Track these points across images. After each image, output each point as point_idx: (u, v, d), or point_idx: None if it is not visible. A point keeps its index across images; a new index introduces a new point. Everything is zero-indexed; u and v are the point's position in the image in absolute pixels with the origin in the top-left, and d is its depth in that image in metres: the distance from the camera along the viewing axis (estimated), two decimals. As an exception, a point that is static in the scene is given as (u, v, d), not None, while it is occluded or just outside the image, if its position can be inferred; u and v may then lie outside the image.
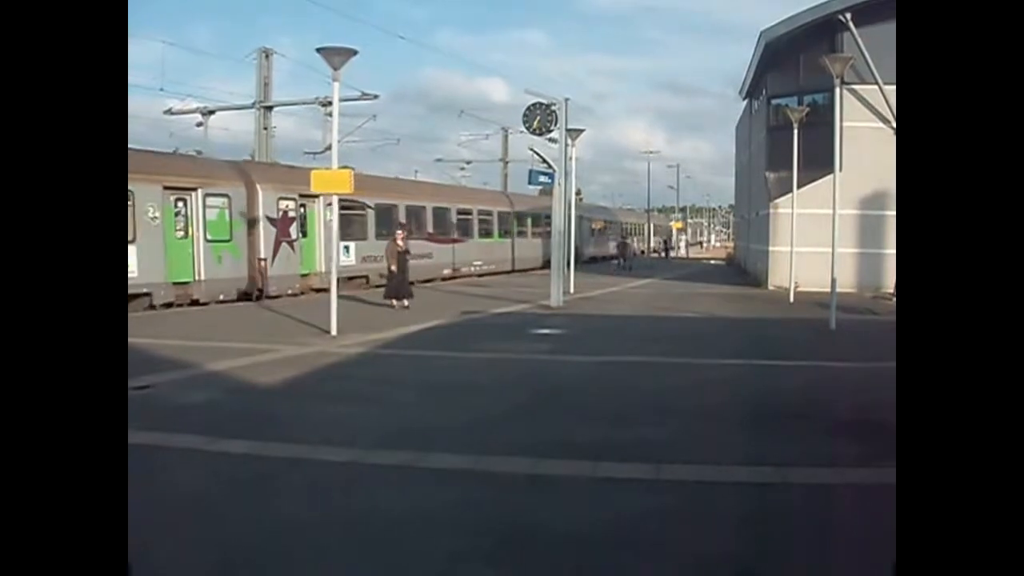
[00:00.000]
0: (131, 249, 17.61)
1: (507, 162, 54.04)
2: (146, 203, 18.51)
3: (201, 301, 19.88)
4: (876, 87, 24.54)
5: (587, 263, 44.01)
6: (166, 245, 19.10)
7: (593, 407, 8.80)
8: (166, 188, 19.28)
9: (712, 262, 55.69)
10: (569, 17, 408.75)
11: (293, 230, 22.68)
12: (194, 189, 19.96)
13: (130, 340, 11.01)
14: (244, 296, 21.32)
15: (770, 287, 26.76)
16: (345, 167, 16.43)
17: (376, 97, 32.26)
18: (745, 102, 38.21)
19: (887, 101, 24.51)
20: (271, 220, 22.14)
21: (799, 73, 27.19)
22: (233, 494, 5.90)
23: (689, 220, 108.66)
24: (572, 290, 23.85)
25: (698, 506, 5.65)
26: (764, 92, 30.44)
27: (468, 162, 57.19)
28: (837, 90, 17.34)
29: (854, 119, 24.26)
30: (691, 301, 23.13)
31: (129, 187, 17.51)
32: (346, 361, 11.85)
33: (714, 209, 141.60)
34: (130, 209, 17.81)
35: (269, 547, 4.83)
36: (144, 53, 74.35)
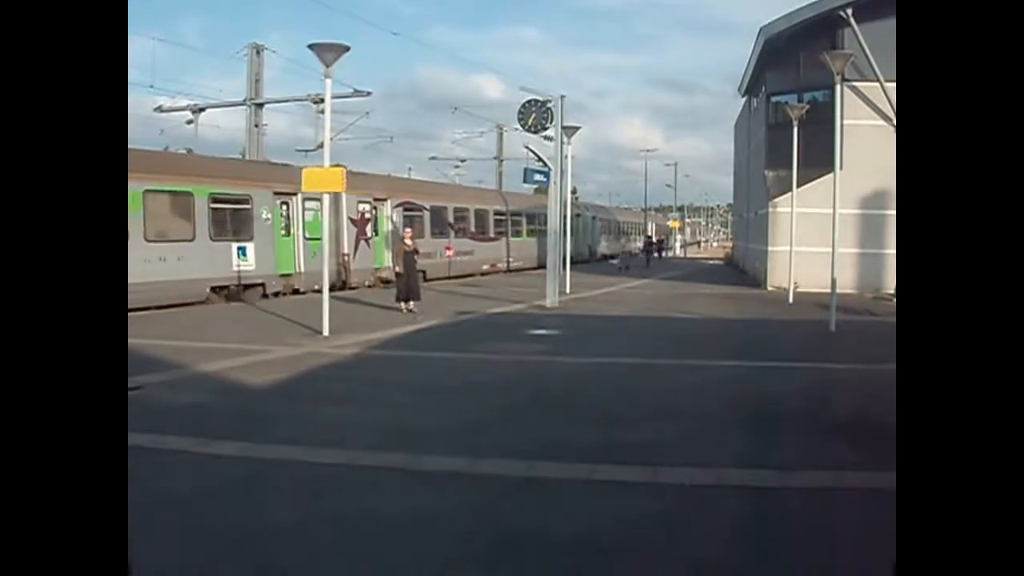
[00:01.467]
0: (250, 246, 21.01)
1: (502, 160, 53.98)
2: (261, 207, 21.55)
3: (300, 290, 22.44)
4: (877, 84, 24.49)
5: (599, 261, 46.99)
6: (276, 242, 22.00)
7: (589, 409, 8.75)
8: (275, 194, 22.11)
9: (711, 262, 55.79)
10: (564, 13, 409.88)
11: (369, 229, 25.87)
12: (295, 194, 22.17)
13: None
14: (332, 287, 22.60)
15: (769, 287, 26.70)
16: (337, 165, 16.37)
17: (369, 94, 32.14)
18: (744, 99, 38.20)
19: (888, 98, 24.46)
20: (352, 221, 25.18)
21: (799, 70, 27.12)
22: (223, 496, 5.85)
23: (687, 219, 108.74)
24: (568, 290, 23.80)
25: (696, 510, 5.60)
26: (763, 89, 30.40)
27: (462, 160, 57.18)
28: (838, 87, 17.29)
29: (855, 116, 24.22)
30: (688, 302, 23.09)
31: (249, 192, 21.19)
32: (338, 362, 11.79)
33: (712, 208, 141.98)
34: (249, 211, 21.19)
35: (259, 550, 4.79)
36: (134, 49, 74.20)
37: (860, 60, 22.88)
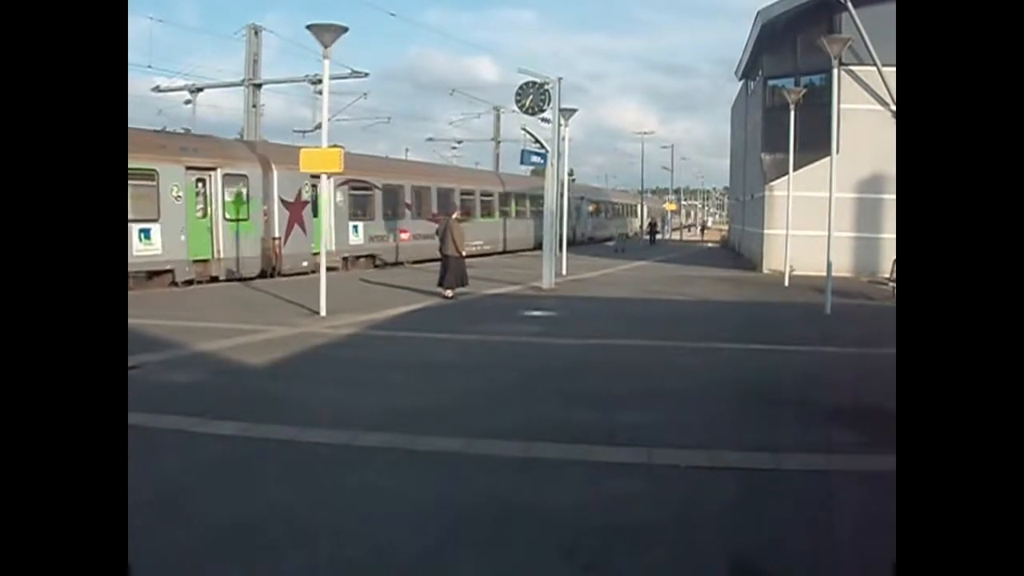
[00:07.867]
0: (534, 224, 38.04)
1: (499, 142, 53.90)
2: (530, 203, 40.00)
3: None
4: (874, 69, 24.44)
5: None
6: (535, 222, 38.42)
7: (585, 391, 8.76)
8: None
9: (709, 245, 55.92)
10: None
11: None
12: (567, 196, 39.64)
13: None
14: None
15: (765, 270, 26.76)
16: (335, 146, 16.33)
17: (366, 75, 32.00)
18: (741, 83, 38.13)
19: (885, 83, 24.44)
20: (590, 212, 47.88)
21: (796, 54, 27.11)
22: (220, 476, 5.88)
23: (683, 202, 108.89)
24: (564, 271, 23.80)
25: (690, 491, 5.63)
26: (761, 73, 30.34)
27: (459, 141, 57.09)
28: (835, 71, 17.24)
29: (852, 101, 24.15)
30: (684, 284, 23.11)
31: (540, 195, 33.05)
32: (335, 342, 11.82)
33: (708, 191, 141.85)
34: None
35: (258, 529, 4.81)
36: (132, 30, 73.61)
37: (857, 45, 22.81)
